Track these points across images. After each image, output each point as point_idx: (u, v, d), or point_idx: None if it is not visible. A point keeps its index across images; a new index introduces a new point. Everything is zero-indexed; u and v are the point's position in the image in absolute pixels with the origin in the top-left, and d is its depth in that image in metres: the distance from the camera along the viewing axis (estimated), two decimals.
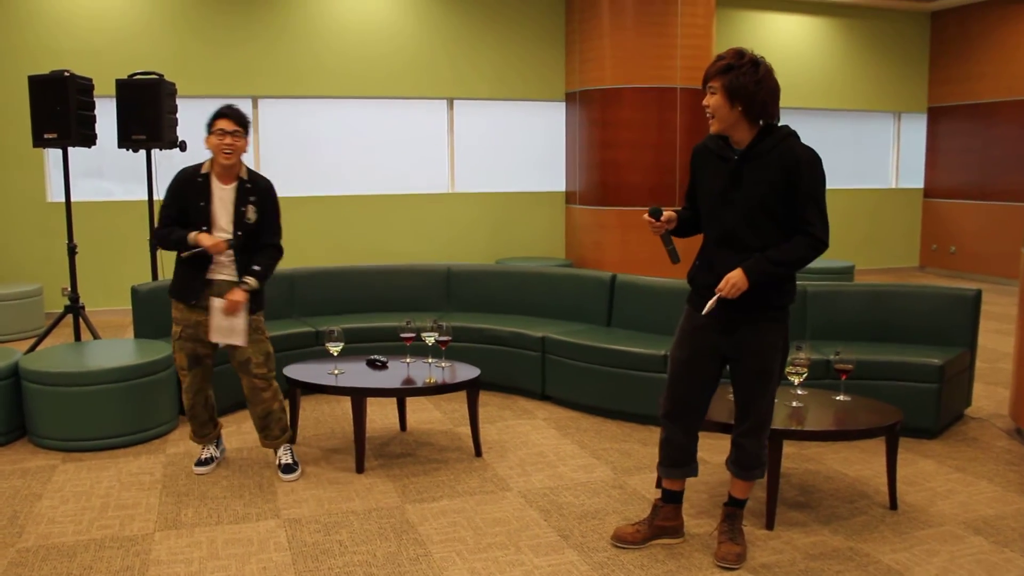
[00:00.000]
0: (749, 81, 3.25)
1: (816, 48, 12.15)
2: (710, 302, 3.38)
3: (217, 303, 4.29)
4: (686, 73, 9.76)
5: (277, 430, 4.57)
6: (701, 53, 9.84)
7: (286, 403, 4.76)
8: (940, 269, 12.92)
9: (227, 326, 4.31)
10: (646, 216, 3.48)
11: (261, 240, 4.45)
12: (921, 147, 13.20)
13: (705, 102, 3.35)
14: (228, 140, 4.26)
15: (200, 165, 4.42)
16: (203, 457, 4.68)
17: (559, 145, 11.04)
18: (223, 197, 4.37)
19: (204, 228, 4.32)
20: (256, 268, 4.39)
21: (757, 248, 3.34)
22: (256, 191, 4.42)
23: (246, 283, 4.33)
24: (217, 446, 4.77)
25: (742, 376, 3.50)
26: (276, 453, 4.64)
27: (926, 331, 5.47)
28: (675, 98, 9.76)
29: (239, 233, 4.34)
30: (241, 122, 4.32)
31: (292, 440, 4.71)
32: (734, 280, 3.30)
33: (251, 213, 4.38)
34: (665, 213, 3.48)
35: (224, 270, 4.41)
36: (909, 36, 12.79)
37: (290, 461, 4.58)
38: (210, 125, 4.31)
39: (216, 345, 4.46)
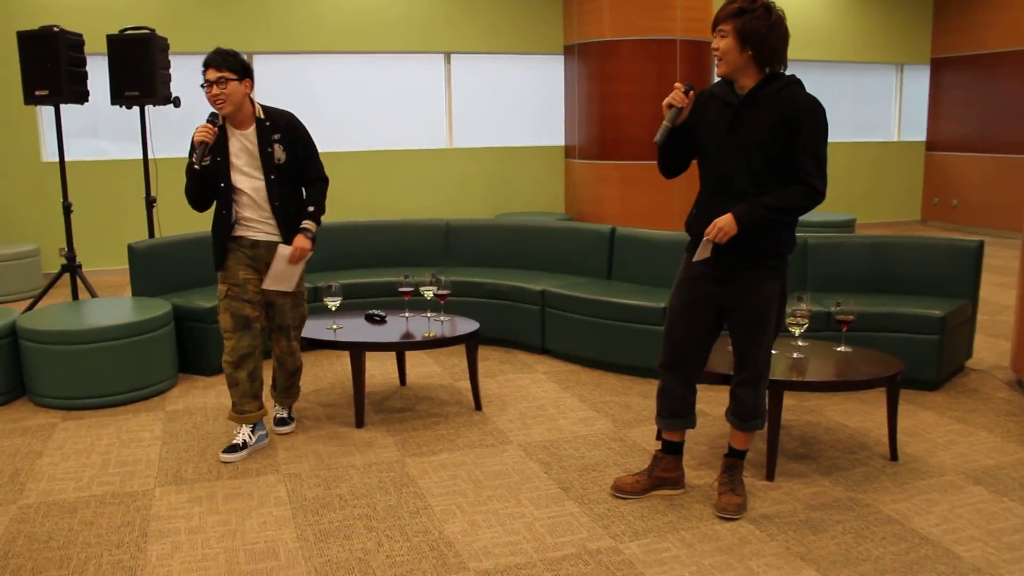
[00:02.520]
0: (761, 25, 3.19)
1: None
2: (700, 247, 3.34)
3: (284, 251, 4.11)
4: (686, 24, 9.63)
5: (296, 388, 4.63)
6: (701, 4, 9.71)
7: None
8: (942, 222, 12.86)
9: (285, 274, 4.18)
10: (679, 85, 3.36)
11: (306, 176, 4.25)
12: (924, 99, 13.08)
13: (714, 44, 3.30)
14: (215, 90, 3.97)
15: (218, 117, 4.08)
16: (235, 441, 4.24)
17: (558, 99, 10.94)
18: (244, 145, 4.10)
19: (223, 184, 4.09)
20: (311, 209, 4.21)
21: (755, 195, 3.29)
22: (278, 128, 4.13)
23: (308, 229, 4.17)
24: (254, 431, 4.31)
25: (739, 326, 3.48)
26: (275, 407, 4.66)
27: (928, 283, 5.43)
28: (674, 50, 9.63)
29: (216, 116, 4.01)
30: (225, 65, 3.98)
31: None
32: (721, 224, 3.26)
33: (279, 152, 4.11)
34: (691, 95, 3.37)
35: (258, 227, 4.18)
36: None
37: (285, 415, 4.61)
38: (203, 77, 4.03)
39: (264, 306, 4.30)
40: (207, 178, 4.09)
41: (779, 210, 3.26)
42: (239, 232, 4.19)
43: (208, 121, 3.99)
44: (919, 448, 4.26)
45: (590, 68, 10.11)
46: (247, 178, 4.13)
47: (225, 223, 4.16)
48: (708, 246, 3.33)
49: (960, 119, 12.54)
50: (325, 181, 4.32)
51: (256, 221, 4.18)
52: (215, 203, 4.19)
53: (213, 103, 4.02)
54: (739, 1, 3.23)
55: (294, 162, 4.18)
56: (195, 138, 3.96)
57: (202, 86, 4.02)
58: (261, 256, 4.20)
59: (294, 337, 4.45)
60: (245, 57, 4.17)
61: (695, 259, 3.38)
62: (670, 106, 3.36)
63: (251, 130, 4.12)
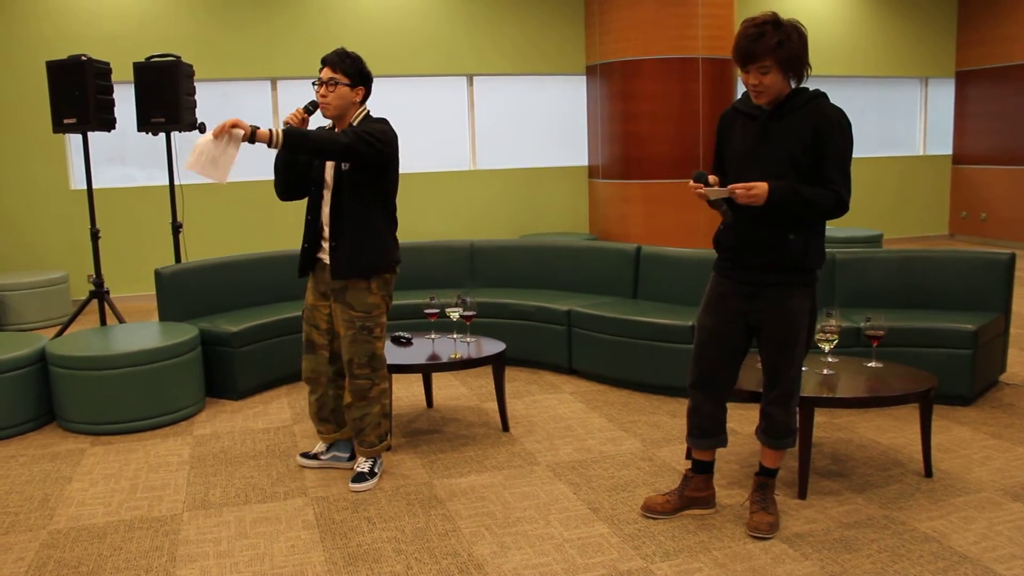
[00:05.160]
0: (798, 47, 3.21)
1: (840, 13, 11.95)
2: (718, 190, 3.25)
3: (208, 130, 3.62)
4: (708, 43, 9.61)
5: (374, 436, 4.12)
6: (723, 22, 9.69)
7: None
8: (970, 236, 12.71)
9: (208, 154, 3.50)
10: (692, 183, 3.35)
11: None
12: (949, 112, 12.97)
13: (755, 80, 3.24)
14: (322, 91, 3.87)
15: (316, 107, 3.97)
16: (311, 451, 4.40)
17: (580, 119, 10.94)
18: None
19: (313, 188, 4.00)
20: (297, 129, 3.68)
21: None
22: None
23: (260, 128, 3.56)
24: (329, 448, 4.34)
25: (770, 344, 3.44)
26: (357, 458, 4.24)
27: (959, 296, 5.36)
28: (697, 68, 9.61)
29: (316, 105, 3.90)
30: (339, 67, 3.86)
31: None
32: (756, 191, 3.18)
33: None
34: (711, 177, 3.37)
35: (326, 248, 4.02)
36: None
37: (365, 470, 4.13)
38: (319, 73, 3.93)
39: (334, 336, 4.13)
40: (290, 163, 3.98)
41: (808, 202, 3.23)
42: (320, 254, 4.04)
43: (304, 106, 3.91)
44: (954, 464, 4.19)
45: (612, 88, 10.12)
46: (327, 190, 3.97)
47: (309, 229, 4.03)
48: (724, 194, 3.24)
49: (986, 132, 12.42)
50: (348, 140, 3.75)
51: (327, 241, 4.00)
52: (307, 207, 4.05)
53: (319, 103, 3.91)
54: (770, 33, 3.17)
55: (372, 172, 3.90)
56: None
57: (314, 84, 3.93)
58: (326, 281, 4.05)
59: (359, 375, 4.03)
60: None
61: (701, 192, 3.27)
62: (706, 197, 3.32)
63: None
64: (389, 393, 4.21)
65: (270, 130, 3.57)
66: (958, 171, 12.92)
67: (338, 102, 3.89)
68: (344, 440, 4.35)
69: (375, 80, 4.04)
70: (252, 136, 3.53)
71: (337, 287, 4.01)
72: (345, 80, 3.88)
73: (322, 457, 4.35)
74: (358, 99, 3.96)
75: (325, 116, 3.95)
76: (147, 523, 3.76)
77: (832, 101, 3.34)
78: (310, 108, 3.92)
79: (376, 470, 4.16)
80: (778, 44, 3.19)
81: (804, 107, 3.26)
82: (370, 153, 3.79)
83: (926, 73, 12.68)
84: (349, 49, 4.03)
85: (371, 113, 4.02)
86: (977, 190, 12.62)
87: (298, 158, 3.98)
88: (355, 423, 4.12)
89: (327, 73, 3.88)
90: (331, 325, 4.14)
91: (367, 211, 3.95)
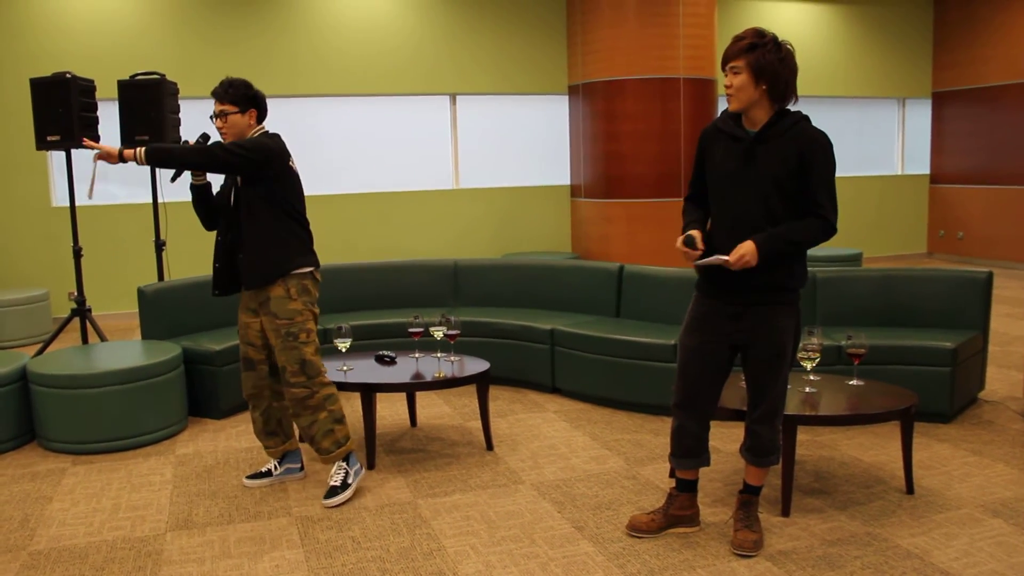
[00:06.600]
0: (773, 58, 3.23)
1: (819, 35, 12.10)
2: (711, 258, 3.29)
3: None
4: (688, 63, 9.71)
5: (328, 443, 4.12)
6: (703, 43, 9.79)
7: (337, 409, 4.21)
8: (948, 255, 12.85)
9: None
10: (680, 244, 3.38)
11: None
12: (926, 133, 13.13)
13: (727, 82, 3.32)
14: (217, 123, 4.02)
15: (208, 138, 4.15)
16: (261, 469, 4.44)
17: (563, 138, 11.00)
18: None
19: (225, 206, 4.15)
20: (160, 145, 3.92)
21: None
22: None
23: (122, 148, 3.81)
24: (281, 462, 4.42)
25: (754, 362, 3.47)
26: (330, 471, 4.25)
27: (938, 315, 5.42)
28: (678, 88, 9.70)
29: (207, 137, 4.07)
30: (226, 98, 4.00)
31: (334, 451, 4.18)
32: (743, 252, 3.24)
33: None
34: (698, 239, 3.36)
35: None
36: (912, 21, 12.72)
37: (337, 483, 4.14)
38: None
39: (270, 351, 4.18)
40: (200, 196, 4.18)
41: (798, 243, 3.29)
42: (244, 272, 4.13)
43: (195, 140, 4.07)
44: (935, 481, 4.23)
45: (595, 107, 10.18)
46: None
47: (218, 249, 4.18)
48: (715, 263, 3.30)
49: (963, 152, 12.59)
50: (222, 152, 3.88)
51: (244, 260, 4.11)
52: (218, 230, 4.23)
53: (221, 135, 4.08)
54: (749, 37, 3.26)
55: (256, 183, 4.00)
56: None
57: (210, 117, 4.09)
58: (248, 297, 4.18)
59: (295, 383, 4.06)
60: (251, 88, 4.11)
61: (691, 256, 3.34)
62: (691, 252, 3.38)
63: None
64: (337, 399, 4.18)
65: (134, 149, 3.78)
66: (936, 190, 13.08)
67: (233, 130, 4.04)
68: (293, 451, 4.45)
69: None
70: (120, 157, 3.78)
71: (262, 300, 4.09)
72: (234, 108, 4.03)
73: (275, 473, 4.41)
74: (252, 121, 4.11)
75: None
76: (129, 543, 3.74)
77: (812, 121, 3.39)
78: (200, 141, 4.06)
79: (349, 482, 4.16)
80: (750, 47, 3.25)
81: (789, 131, 3.30)
82: (234, 161, 3.90)
83: (903, 94, 12.84)
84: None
85: (269, 131, 4.16)
86: (954, 209, 12.77)
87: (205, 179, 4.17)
88: (305, 432, 4.17)
89: (217, 106, 4.03)
90: (266, 340, 4.21)
91: (265, 223, 4.03)
